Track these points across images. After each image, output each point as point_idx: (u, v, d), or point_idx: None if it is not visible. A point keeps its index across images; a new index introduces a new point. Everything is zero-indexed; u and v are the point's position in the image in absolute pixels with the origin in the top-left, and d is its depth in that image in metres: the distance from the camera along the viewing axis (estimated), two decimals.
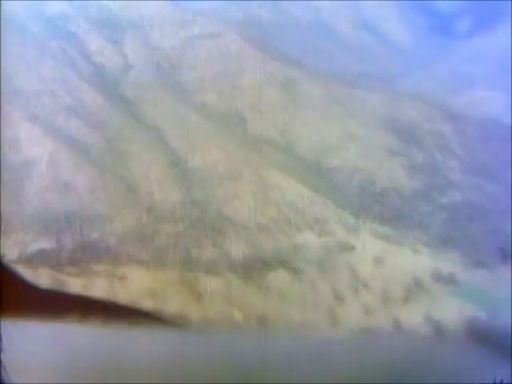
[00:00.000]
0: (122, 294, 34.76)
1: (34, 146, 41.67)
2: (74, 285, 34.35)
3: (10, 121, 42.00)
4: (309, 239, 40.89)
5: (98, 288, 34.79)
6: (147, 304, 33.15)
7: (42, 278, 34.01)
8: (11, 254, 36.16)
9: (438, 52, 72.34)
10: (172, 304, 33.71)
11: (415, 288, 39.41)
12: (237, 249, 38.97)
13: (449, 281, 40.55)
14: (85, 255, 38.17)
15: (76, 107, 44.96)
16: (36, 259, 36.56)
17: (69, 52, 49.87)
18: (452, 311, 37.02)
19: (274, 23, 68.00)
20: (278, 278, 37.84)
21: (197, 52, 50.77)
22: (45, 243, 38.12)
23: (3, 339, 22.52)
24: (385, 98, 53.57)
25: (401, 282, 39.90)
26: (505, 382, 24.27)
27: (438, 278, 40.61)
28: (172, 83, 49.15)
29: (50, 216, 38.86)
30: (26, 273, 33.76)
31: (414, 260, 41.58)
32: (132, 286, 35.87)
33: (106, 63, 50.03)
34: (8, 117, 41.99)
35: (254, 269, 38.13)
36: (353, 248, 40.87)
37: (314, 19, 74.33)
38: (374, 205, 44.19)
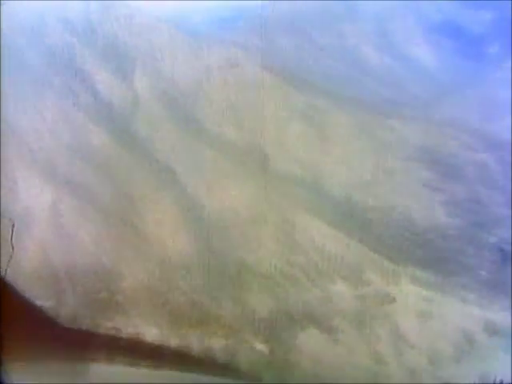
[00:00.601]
0: None
1: (33, 192, 37.32)
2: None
3: (7, 165, 37.79)
4: (343, 291, 35.91)
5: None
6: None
7: None
8: None
9: (468, 77, 67.53)
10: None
11: (466, 344, 34.26)
12: (261, 304, 34.16)
13: (504, 334, 35.43)
14: (89, 313, 33.71)
15: (81, 149, 40.40)
16: None
17: (73, 88, 45.68)
18: (510, 371, 32.02)
19: (297, 51, 63.92)
20: (310, 338, 32.75)
21: (213, 83, 45.96)
22: (43, 302, 33.76)
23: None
24: (419, 126, 48.86)
25: (450, 337, 34.78)
26: (505, 382, 24.24)
27: (491, 331, 35.43)
28: (186, 118, 44.39)
29: (51, 273, 34.33)
30: None
31: (462, 311, 36.41)
32: None
33: (114, 99, 45.50)
34: (5, 160, 37.77)
35: (281, 328, 33.15)
36: (393, 300, 35.78)
37: (339, 45, 69.56)
38: (414, 248, 39.13)
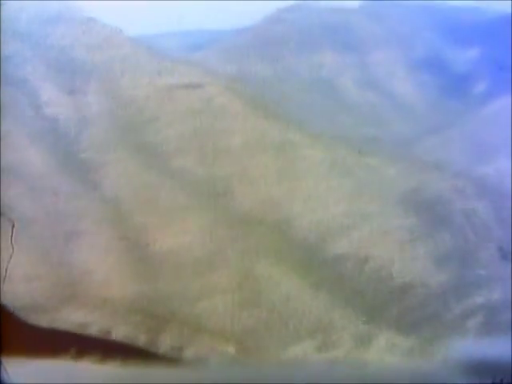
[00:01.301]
0: None
1: None
2: None
3: None
4: (308, 351, 31.87)
5: None
6: None
7: None
8: None
9: (453, 116, 66.24)
10: None
11: None
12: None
13: None
14: None
15: (18, 171, 36.26)
16: None
17: (19, 102, 41.53)
18: None
19: (272, 80, 61.31)
20: None
21: (175, 105, 42.25)
22: None
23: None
24: (401, 166, 45.34)
25: None
26: (505, 381, 24.14)
27: None
28: (141, 143, 40.60)
29: None
30: None
31: None
32: None
33: (61, 116, 41.43)
34: None
35: None
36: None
37: (316, 76, 68.11)
38: (392, 305, 35.29)
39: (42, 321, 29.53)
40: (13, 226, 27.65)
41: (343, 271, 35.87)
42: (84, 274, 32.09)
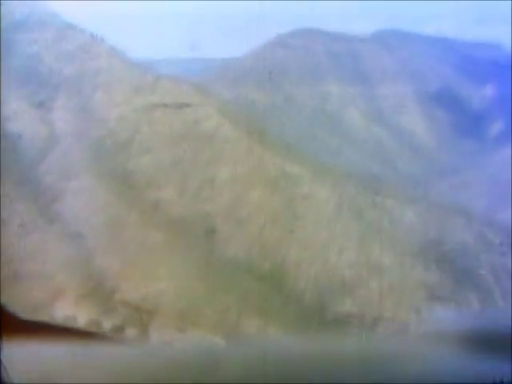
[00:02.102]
0: None
1: None
2: None
3: None
4: None
5: None
6: None
7: None
8: None
9: (467, 156, 62.23)
10: None
11: None
12: None
13: None
14: None
15: None
16: None
17: None
18: None
19: (269, 107, 56.36)
20: None
21: (154, 128, 36.17)
22: None
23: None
24: (420, 210, 39.49)
25: None
26: (505, 381, 25.23)
27: None
28: (113, 170, 34.57)
29: None
30: None
31: None
32: None
33: (25, 133, 35.56)
34: None
35: None
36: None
37: (320, 107, 63.56)
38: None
39: None
40: (18, 227, 26.06)
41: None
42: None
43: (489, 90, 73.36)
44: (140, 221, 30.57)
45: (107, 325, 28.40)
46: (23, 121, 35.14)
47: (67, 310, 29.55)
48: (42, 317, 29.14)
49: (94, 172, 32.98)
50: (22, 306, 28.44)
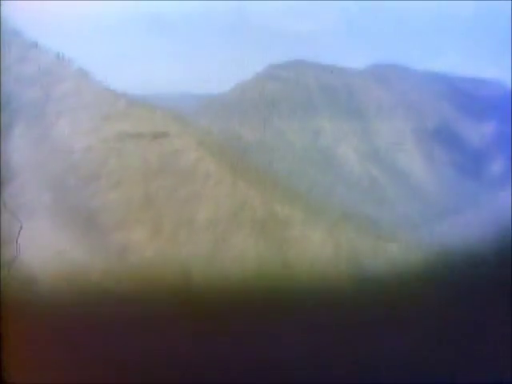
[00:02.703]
0: None
1: None
2: None
3: None
4: None
5: None
6: None
7: None
8: None
9: (468, 198, 60.26)
10: None
11: None
12: None
13: None
14: None
15: None
16: None
17: None
18: None
19: (257, 142, 53.81)
20: None
21: (124, 160, 31.81)
22: None
23: None
24: (417, 254, 36.69)
25: None
26: (505, 382, 23.54)
27: None
28: (74, 207, 30.31)
29: None
30: None
31: None
32: None
33: None
34: None
35: None
36: None
37: (311, 143, 61.11)
38: None
39: None
40: (20, 227, 25.95)
41: None
42: None
43: (489, 128, 71.54)
44: (104, 268, 26.51)
45: None
46: None
47: None
48: None
49: (53, 210, 28.92)
50: None
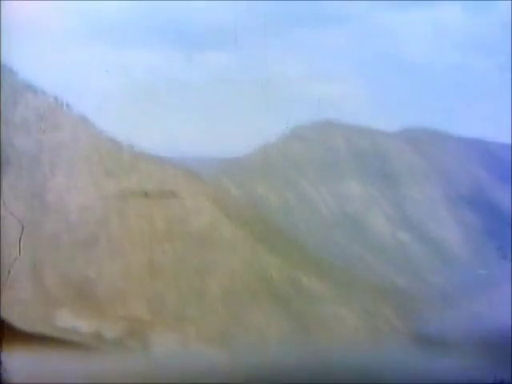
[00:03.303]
0: None
1: None
2: None
3: None
4: None
5: None
6: None
7: None
8: None
9: (503, 265, 57.83)
10: None
11: None
12: None
13: None
14: None
15: None
16: None
17: None
18: None
19: (281, 207, 51.29)
20: None
21: (129, 221, 28.10)
22: None
23: None
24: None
25: None
26: (505, 382, 24.04)
27: None
28: (70, 277, 26.40)
29: None
30: None
31: None
32: None
33: None
34: None
35: None
36: None
37: (338, 209, 58.67)
38: None
39: None
40: (22, 228, 27.62)
41: None
42: None
43: None
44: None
45: None
46: None
47: None
48: None
49: (43, 281, 25.20)
50: None
